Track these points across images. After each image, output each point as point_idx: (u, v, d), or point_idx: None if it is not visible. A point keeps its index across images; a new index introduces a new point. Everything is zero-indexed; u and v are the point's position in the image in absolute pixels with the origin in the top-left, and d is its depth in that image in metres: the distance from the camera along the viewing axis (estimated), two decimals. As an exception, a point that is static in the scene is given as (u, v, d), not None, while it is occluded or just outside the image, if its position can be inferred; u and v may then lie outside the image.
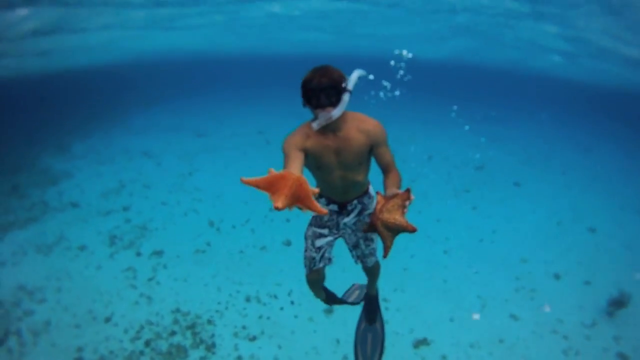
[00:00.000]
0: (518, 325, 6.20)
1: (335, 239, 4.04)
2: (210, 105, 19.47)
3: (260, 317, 6.12)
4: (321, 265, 4.07)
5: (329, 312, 6.22)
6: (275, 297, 6.50)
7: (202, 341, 5.66)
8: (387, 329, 5.98)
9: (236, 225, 8.39)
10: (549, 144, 14.07)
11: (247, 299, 6.41)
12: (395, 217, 2.65)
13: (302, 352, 5.64)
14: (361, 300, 4.91)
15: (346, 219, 3.83)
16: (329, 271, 4.24)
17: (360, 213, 3.82)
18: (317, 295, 4.50)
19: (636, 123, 16.93)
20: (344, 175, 3.45)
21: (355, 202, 3.75)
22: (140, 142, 13.50)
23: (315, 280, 4.24)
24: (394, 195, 2.71)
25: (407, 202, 2.68)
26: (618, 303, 6.55)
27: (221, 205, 9.16)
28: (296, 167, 2.93)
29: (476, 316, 6.54)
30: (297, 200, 1.96)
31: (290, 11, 13.34)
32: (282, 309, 6.30)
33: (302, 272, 6.18)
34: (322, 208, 2.06)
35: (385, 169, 3.40)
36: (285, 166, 3.00)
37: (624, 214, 9.57)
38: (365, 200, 3.80)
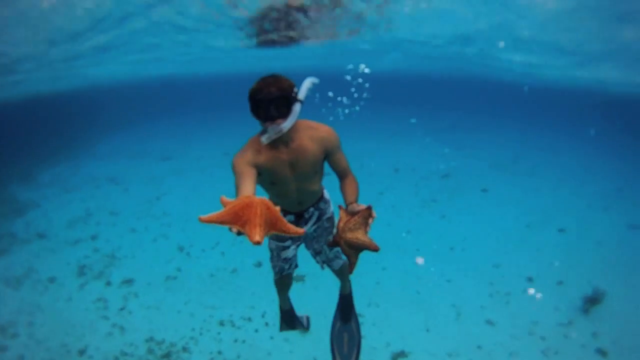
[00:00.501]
0: (495, 330, 6.21)
1: (298, 245, 4.04)
2: (175, 129, 19.40)
3: (236, 340, 6.04)
4: (290, 271, 4.14)
5: (304, 332, 6.18)
6: (250, 319, 6.42)
7: (178, 370, 5.58)
8: (364, 344, 5.95)
9: (206, 248, 8.30)
10: (515, 149, 14.24)
11: (221, 323, 6.32)
12: (358, 237, 2.61)
13: (280, 373, 5.59)
14: (307, 327, 5.07)
15: (305, 228, 3.73)
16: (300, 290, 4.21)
17: (318, 219, 3.73)
18: (281, 301, 4.62)
19: (599, 124, 17.19)
20: (300, 186, 3.35)
21: (311, 209, 3.68)
22: (107, 168, 13.35)
23: (285, 284, 4.36)
24: (356, 213, 2.67)
25: (369, 220, 2.64)
26: (593, 300, 6.61)
27: (190, 229, 9.06)
28: (250, 186, 2.77)
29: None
30: (271, 226, 1.82)
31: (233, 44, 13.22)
32: (257, 331, 6.22)
33: (274, 293, 6.15)
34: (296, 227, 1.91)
35: (342, 175, 3.35)
36: (237, 186, 2.80)
37: (592, 213, 9.68)
38: (322, 205, 3.75)
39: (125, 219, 9.65)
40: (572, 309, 6.61)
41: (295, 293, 6.82)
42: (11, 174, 13.05)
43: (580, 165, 13.14)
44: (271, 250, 3.98)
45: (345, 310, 4.75)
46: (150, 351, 5.86)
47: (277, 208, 1.88)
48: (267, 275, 7.21)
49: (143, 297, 6.87)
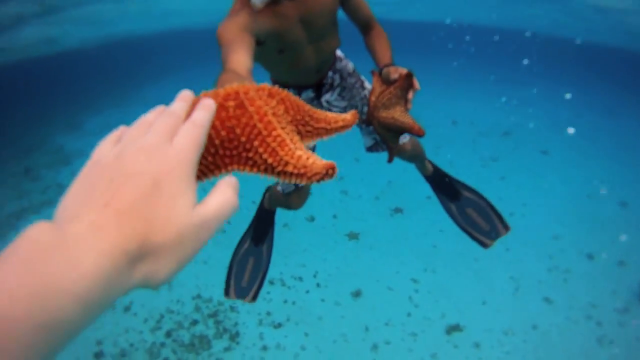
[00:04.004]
0: (552, 310, 5.93)
1: None
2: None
3: (285, 301, 5.88)
4: None
5: (356, 295, 5.98)
6: (301, 279, 6.23)
7: (225, 330, 5.43)
8: (417, 313, 5.78)
9: (256, 200, 8.02)
10: (574, 109, 13.60)
11: (271, 282, 6.14)
12: (395, 116, 2.07)
13: (330, 340, 5.41)
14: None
15: (327, 96, 2.94)
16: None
17: (342, 79, 2.96)
18: (272, 204, 3.96)
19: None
20: (318, 47, 2.56)
21: (330, 74, 2.88)
22: (154, 114, 13.16)
23: (298, 206, 3.52)
24: (393, 82, 2.08)
25: (410, 94, 2.07)
26: (652, 287, 6.26)
27: (240, 178, 8.64)
28: (245, 57, 1.78)
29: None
30: (299, 127, 0.86)
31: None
32: (307, 292, 6.04)
33: (327, 251, 5.92)
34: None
35: (366, 26, 2.69)
36: (224, 61, 1.76)
37: (655, 189, 9.17)
38: (338, 65, 2.94)
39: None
40: (630, 294, 6.24)
41: (347, 252, 6.62)
42: (58, 122, 12.94)
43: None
44: None
45: (446, 187, 3.82)
46: (197, 309, 5.73)
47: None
48: (320, 230, 7.02)
49: (191, 251, 6.66)
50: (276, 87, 0.85)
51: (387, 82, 2.16)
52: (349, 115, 0.89)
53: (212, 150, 0.75)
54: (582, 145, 11.03)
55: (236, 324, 5.53)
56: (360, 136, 3.27)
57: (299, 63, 2.55)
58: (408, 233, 6.98)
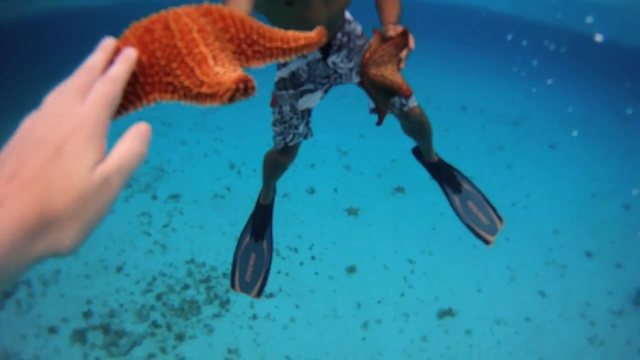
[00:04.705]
0: (546, 304, 5.88)
1: (326, 92, 2.98)
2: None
3: (279, 272, 5.81)
4: (300, 139, 3.12)
5: (350, 271, 5.92)
6: (296, 250, 6.17)
7: (216, 296, 5.39)
8: (410, 294, 5.73)
9: (257, 168, 7.92)
10: (587, 107, 13.42)
11: (266, 252, 6.11)
12: (384, 74, 1.96)
13: (321, 314, 5.38)
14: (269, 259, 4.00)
15: (334, 57, 2.76)
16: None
17: (349, 41, 2.78)
18: (266, 189, 3.96)
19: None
20: (328, 1, 2.32)
21: (339, 35, 2.70)
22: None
23: (285, 163, 3.39)
24: (389, 39, 1.99)
25: (403, 52, 1.98)
26: (648, 293, 6.20)
27: (244, 146, 8.63)
28: (244, 2, 1.73)
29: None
30: (243, 48, 0.76)
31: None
32: (302, 264, 5.99)
33: (325, 224, 5.85)
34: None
35: None
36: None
37: (661, 195, 9.07)
38: (347, 28, 2.76)
39: (177, 130, 9.30)
40: (625, 297, 6.17)
41: (345, 227, 6.54)
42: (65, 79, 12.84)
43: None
44: (279, 106, 3.01)
45: (448, 178, 3.78)
46: (189, 274, 5.68)
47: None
48: (319, 204, 6.95)
49: (188, 214, 6.62)
50: (219, 5, 0.78)
51: (385, 40, 2.06)
52: (313, 33, 0.80)
53: (132, 79, 0.70)
54: (591, 144, 10.87)
55: (227, 290, 5.46)
56: (367, 103, 3.14)
57: (308, 16, 2.32)
58: (408, 213, 6.91)
